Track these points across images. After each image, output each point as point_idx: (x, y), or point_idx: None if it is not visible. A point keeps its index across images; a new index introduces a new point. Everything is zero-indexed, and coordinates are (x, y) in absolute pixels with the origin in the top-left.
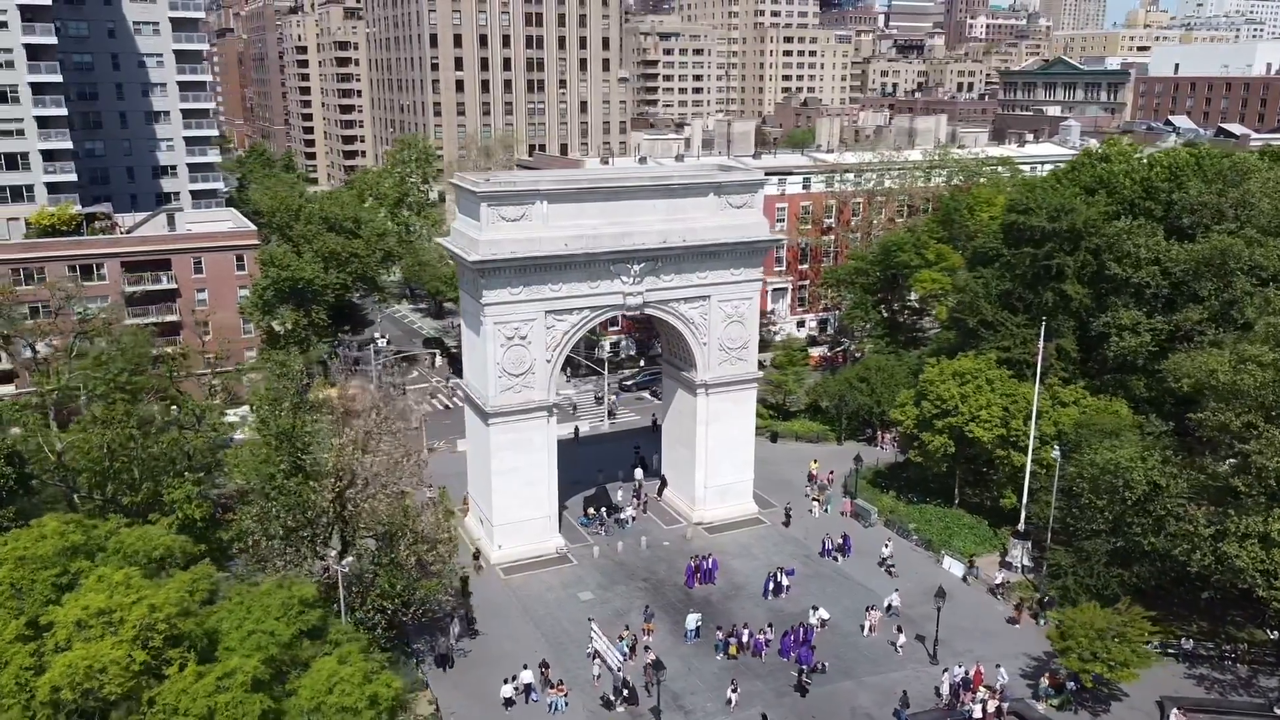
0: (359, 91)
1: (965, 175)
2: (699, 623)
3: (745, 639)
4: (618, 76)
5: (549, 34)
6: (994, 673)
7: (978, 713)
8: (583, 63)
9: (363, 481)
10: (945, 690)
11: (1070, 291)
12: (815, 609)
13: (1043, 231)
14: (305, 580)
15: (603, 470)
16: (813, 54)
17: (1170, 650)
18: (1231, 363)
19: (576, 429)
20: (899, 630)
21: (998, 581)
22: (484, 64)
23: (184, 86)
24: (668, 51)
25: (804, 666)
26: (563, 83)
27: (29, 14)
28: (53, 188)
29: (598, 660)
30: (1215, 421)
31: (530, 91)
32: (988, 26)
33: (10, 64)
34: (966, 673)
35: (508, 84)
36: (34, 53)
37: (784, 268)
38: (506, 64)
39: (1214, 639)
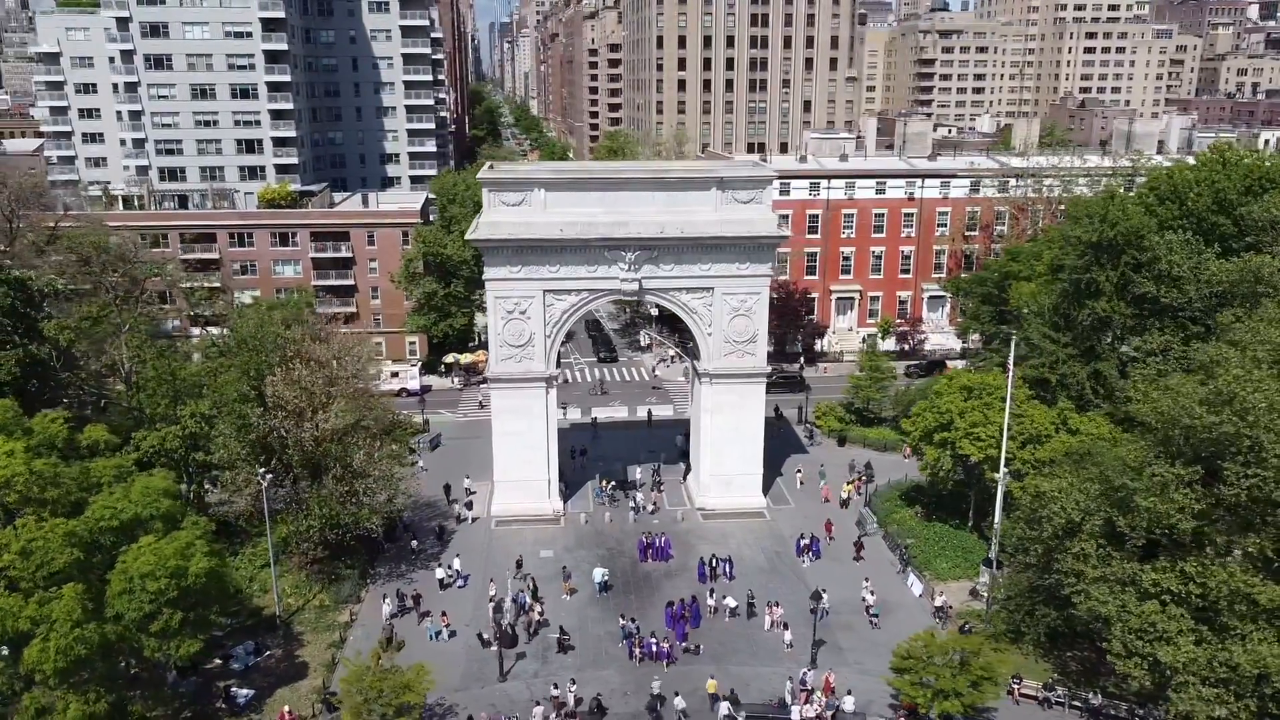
0: (622, 90)
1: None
2: (605, 576)
3: (653, 648)
4: (845, 75)
5: (774, 34)
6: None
7: (796, 715)
8: (808, 62)
9: (283, 414)
10: (786, 693)
11: (1099, 309)
12: (724, 596)
13: (1089, 244)
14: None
15: (652, 450)
16: (1120, 51)
17: (1076, 704)
18: (1147, 391)
19: (649, 412)
20: (785, 627)
21: (937, 604)
22: (706, 64)
23: (409, 85)
24: (947, 50)
25: (562, 628)
26: (786, 82)
27: (269, 25)
28: (280, 169)
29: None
30: (1114, 455)
31: (752, 91)
32: None
33: (252, 66)
34: (805, 678)
35: (729, 83)
36: (272, 56)
37: (943, 274)
38: (729, 64)
39: (1144, 702)
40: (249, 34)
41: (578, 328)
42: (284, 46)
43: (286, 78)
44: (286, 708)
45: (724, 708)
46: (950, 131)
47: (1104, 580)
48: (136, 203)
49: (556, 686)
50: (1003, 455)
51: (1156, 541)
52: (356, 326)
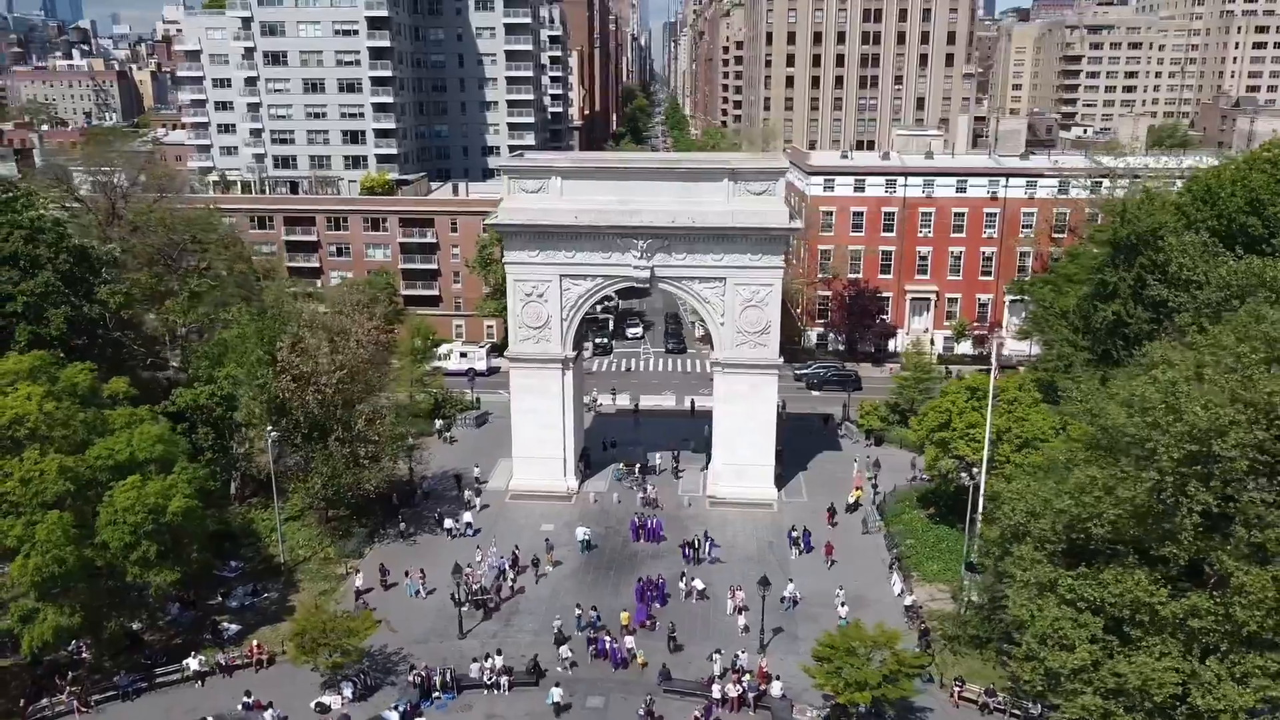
0: (742, 88)
1: None
2: (586, 535)
3: (605, 646)
4: (962, 72)
5: (887, 30)
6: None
7: (716, 692)
8: (923, 58)
9: (289, 378)
10: (715, 669)
11: (1111, 311)
12: (692, 579)
13: (1106, 243)
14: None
15: (685, 439)
16: None
17: (1016, 712)
18: (1087, 392)
19: (693, 402)
20: (739, 612)
21: (906, 604)
22: (816, 60)
23: (510, 81)
24: (1095, 46)
25: (485, 591)
26: (898, 79)
27: (374, 23)
28: (381, 158)
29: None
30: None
31: (862, 88)
32: None
33: (357, 62)
34: (734, 662)
35: (839, 80)
36: (376, 53)
37: (1028, 276)
38: (839, 60)
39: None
40: (355, 31)
41: (656, 318)
42: (387, 43)
43: (389, 73)
44: (256, 641)
45: (629, 640)
46: (1085, 132)
47: (1027, 585)
48: (253, 188)
49: (489, 657)
50: (985, 457)
51: (1093, 549)
52: (439, 309)
